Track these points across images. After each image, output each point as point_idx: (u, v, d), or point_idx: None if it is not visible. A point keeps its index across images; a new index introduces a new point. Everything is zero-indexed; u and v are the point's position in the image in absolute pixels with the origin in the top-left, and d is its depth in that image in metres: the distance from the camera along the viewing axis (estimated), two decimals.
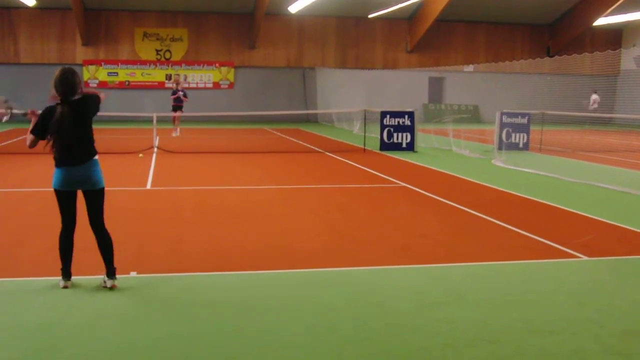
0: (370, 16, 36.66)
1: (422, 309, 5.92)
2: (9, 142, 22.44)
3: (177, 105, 25.98)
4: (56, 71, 6.61)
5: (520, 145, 20.74)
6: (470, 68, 39.27)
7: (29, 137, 6.48)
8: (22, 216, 10.05)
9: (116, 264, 6.37)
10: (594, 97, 35.24)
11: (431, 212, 10.67)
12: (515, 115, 20.76)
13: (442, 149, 21.16)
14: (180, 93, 26.02)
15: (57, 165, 6.42)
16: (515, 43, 41.38)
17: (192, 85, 38.08)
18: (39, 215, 10.09)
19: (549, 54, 39.66)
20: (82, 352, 4.91)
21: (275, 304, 6.03)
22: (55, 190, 6.45)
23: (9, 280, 6.68)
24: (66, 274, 6.43)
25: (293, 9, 34.46)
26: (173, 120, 26.59)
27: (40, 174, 14.65)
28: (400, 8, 33.48)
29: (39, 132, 6.48)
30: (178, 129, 26.24)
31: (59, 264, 6.40)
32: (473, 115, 39.54)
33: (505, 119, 20.29)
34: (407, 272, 7.17)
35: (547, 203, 11.52)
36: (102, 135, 26.15)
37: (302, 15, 37.38)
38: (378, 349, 5.04)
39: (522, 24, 40.87)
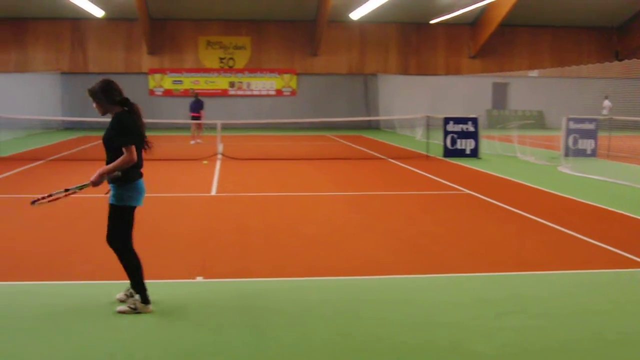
0: (432, 22, 36.46)
1: (489, 318, 5.84)
2: (81, 148, 22.98)
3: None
4: (104, 83, 6.10)
5: (588, 151, 20.31)
6: (535, 73, 38.67)
7: (130, 151, 5.73)
8: (88, 222, 10.25)
9: (182, 268, 6.39)
10: (606, 103, 34.58)
11: (496, 220, 10.54)
12: (582, 121, 20.35)
13: (506, 156, 20.89)
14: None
15: (136, 177, 5.92)
16: (582, 47, 40.62)
17: (254, 93, 38.47)
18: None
19: (618, 58, 38.79)
20: (150, 355, 4.98)
21: (339, 310, 6.02)
22: (131, 208, 6.01)
23: (85, 284, 6.82)
24: (147, 296, 5.99)
25: (355, 15, 34.50)
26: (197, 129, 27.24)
27: None
28: (462, 13, 33.24)
29: (134, 139, 5.84)
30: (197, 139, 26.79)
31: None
32: (538, 121, 38.92)
33: (572, 125, 19.91)
34: (472, 280, 7.08)
35: (616, 211, 11.26)
36: (166, 142, 26.66)
37: (363, 22, 37.40)
38: (444, 358, 4.99)
39: (588, 27, 40.10)
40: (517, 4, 34.11)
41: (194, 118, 26.53)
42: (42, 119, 31.92)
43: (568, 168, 17.09)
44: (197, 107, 26.75)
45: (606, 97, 34.72)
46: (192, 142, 26.37)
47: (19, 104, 31.51)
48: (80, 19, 36.42)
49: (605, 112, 34.29)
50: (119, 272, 6.20)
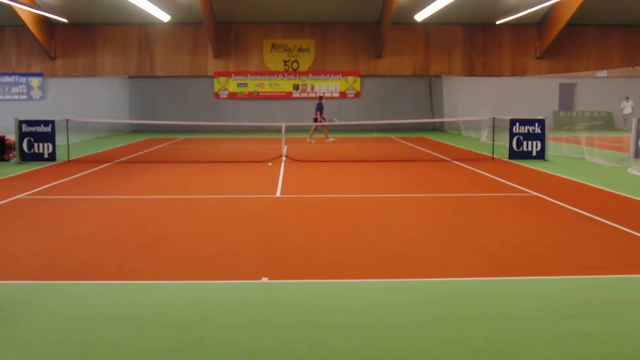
0: (498, 22, 36.05)
1: (555, 322, 5.75)
2: (147, 150, 23.40)
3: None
4: None
5: None
6: (603, 73, 37.94)
7: None
8: (159, 222, 10.44)
9: (248, 269, 6.43)
10: (631, 102, 34.32)
11: (563, 222, 10.35)
12: None
13: (574, 158, 20.51)
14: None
15: None
16: None
17: (319, 95, 38.62)
18: (176, 220, 10.46)
19: None
20: (217, 352, 5.05)
21: (404, 312, 6.00)
22: None
23: (148, 283, 6.96)
24: None
25: (419, 17, 34.35)
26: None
27: (175, 180, 15.23)
28: (529, 13, 32.77)
29: None
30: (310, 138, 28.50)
31: (195, 269, 6.52)
32: (606, 123, 38.11)
33: None
34: (538, 283, 6.99)
35: None
36: (232, 145, 26.97)
37: (428, 23, 37.21)
38: None
39: None
40: (585, 3, 33.48)
41: (315, 119, 28.05)
42: (110, 122, 32.65)
43: (638, 170, 16.70)
44: (316, 108, 28.27)
45: (627, 98, 34.73)
46: (329, 140, 28.54)
47: (87, 107, 32.34)
48: (147, 24, 37.15)
49: (628, 111, 34.20)
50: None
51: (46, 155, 19.46)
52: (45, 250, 8.40)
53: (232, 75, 38.39)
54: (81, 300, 6.41)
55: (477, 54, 39.24)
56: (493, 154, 20.30)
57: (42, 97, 37.73)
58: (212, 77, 38.42)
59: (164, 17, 33.61)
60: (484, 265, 7.68)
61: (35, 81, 37.84)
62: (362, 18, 37.60)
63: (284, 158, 19.97)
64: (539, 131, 20.14)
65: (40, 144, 19.45)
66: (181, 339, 5.35)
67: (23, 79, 37.83)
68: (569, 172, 16.78)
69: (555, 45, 38.32)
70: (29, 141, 19.35)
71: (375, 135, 32.25)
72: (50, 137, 19.54)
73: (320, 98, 28.78)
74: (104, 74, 37.50)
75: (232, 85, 38.37)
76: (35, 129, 19.44)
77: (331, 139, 28.72)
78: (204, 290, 6.72)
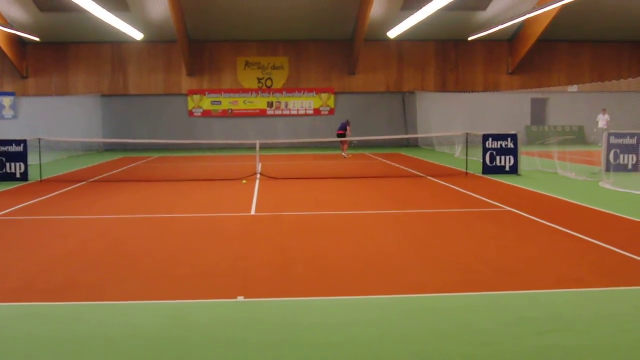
0: (470, 39, 36.34)
1: (533, 336, 5.78)
2: (121, 169, 23.27)
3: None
4: None
5: (629, 166, 19.99)
6: (574, 88, 38.36)
7: None
8: (134, 241, 10.38)
9: (223, 288, 6.42)
10: (607, 117, 34.67)
11: (536, 237, 10.43)
12: (624, 135, 20.08)
13: (546, 172, 20.68)
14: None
15: None
16: (622, 61, 40.11)
17: (292, 112, 38.66)
18: (150, 239, 10.41)
19: None
20: None
21: (381, 329, 6.01)
22: None
23: (124, 304, 6.91)
24: None
25: (392, 34, 34.54)
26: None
27: (150, 199, 15.15)
28: (500, 29, 33.09)
29: None
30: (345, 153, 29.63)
31: (171, 288, 6.50)
32: (578, 137, 38.52)
33: (613, 140, 19.67)
34: (512, 297, 7.03)
35: None
36: (206, 162, 26.89)
37: (401, 40, 37.44)
38: None
39: (629, 42, 39.60)
40: (555, 19, 33.91)
41: (338, 135, 29.01)
42: (84, 141, 32.44)
43: (609, 183, 16.88)
44: (341, 125, 29.08)
45: (603, 111, 34.99)
46: (344, 154, 29.54)
47: (60, 126, 32.10)
48: (120, 42, 37.02)
49: (602, 125, 34.41)
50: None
51: (18, 175, 19.27)
52: (18, 272, 8.31)
53: (206, 93, 38.32)
54: (56, 321, 6.35)
55: (450, 70, 39.54)
56: (467, 170, 20.44)
57: (14, 117, 37.36)
58: (186, 95, 38.33)
59: (137, 35, 33.50)
60: (459, 280, 7.72)
61: (6, 100, 37.49)
62: (335, 35, 37.74)
63: (258, 175, 19.95)
64: (512, 146, 20.30)
65: (12, 164, 19.26)
66: (157, 359, 5.32)
67: None
68: (541, 186, 16.92)
69: (527, 60, 38.73)
70: (0, 161, 19.17)
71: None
72: (22, 157, 19.35)
73: (348, 122, 29.38)
74: (76, 93, 37.25)
75: (206, 103, 38.30)
76: (7, 149, 19.25)
77: (344, 155, 29.62)
78: (179, 309, 6.70)
